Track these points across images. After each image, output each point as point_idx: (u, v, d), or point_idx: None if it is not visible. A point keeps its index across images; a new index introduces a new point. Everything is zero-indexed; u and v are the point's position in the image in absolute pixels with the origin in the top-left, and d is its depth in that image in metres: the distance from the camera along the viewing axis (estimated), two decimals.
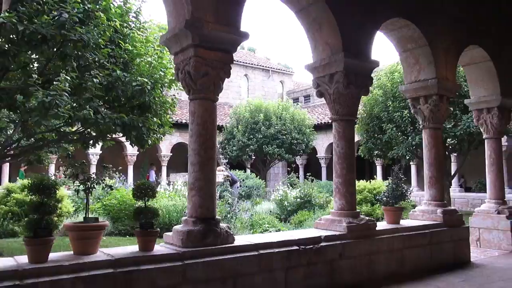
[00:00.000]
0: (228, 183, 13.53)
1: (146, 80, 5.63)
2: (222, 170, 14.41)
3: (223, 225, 3.63)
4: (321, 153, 22.26)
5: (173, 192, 9.60)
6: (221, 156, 21.02)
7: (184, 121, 21.62)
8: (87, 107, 5.28)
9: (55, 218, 8.44)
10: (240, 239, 3.84)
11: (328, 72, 4.60)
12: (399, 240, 4.75)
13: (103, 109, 5.61)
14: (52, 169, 18.75)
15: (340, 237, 4.25)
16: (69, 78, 4.87)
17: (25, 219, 7.92)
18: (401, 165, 5.17)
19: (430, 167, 5.65)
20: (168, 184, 10.60)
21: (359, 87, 4.62)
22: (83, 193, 3.49)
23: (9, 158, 8.33)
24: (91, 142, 7.61)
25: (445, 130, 10.85)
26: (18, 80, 5.46)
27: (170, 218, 7.82)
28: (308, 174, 11.54)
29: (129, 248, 3.38)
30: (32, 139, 7.19)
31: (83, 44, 5.32)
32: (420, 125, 5.73)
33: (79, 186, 3.41)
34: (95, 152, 19.93)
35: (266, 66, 30.18)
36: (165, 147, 21.85)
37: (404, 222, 5.27)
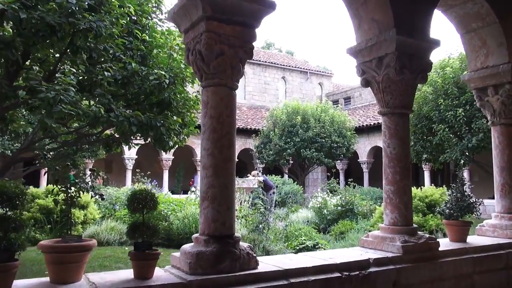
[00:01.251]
0: (261, 189, 12.82)
1: (163, 73, 4.98)
2: (257, 175, 13.68)
3: (243, 244, 2.87)
4: (363, 157, 21.05)
5: None
6: (257, 161, 20.33)
7: None
8: (98, 104, 4.70)
9: (79, 226, 8.00)
10: (266, 262, 3.06)
11: (375, 55, 3.75)
12: (468, 263, 3.80)
13: (117, 106, 5.02)
14: (88, 172, 18.74)
15: (393, 260, 3.37)
16: (74, 70, 4.30)
17: (48, 226, 7.50)
18: (461, 170, 4.19)
19: (502, 172, 4.63)
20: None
21: (415, 72, 3.73)
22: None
23: (43, 163, 8.01)
24: (114, 144, 7.16)
25: None
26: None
27: (197, 228, 7.15)
28: (349, 179, 10.58)
29: (123, 273, 2.69)
30: (54, 142, 6.79)
31: (95, 34, 4.77)
32: (485, 122, 4.78)
33: (57, 194, 2.77)
34: (130, 156, 19.82)
35: (304, 68, 29.28)
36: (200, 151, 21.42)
37: (471, 240, 4.29)
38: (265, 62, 27.55)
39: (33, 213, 7.92)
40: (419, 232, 3.69)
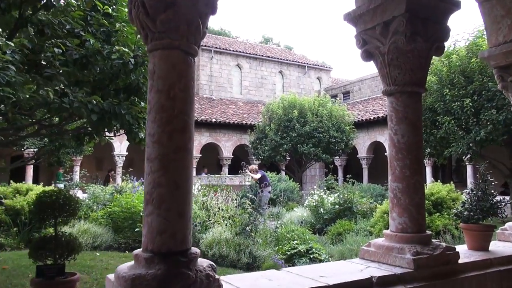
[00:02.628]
0: (257, 186, 12.04)
1: (127, 50, 4.23)
2: (255, 171, 12.87)
3: (202, 263, 2.13)
4: (362, 153, 20.30)
5: None
6: (253, 157, 19.59)
7: (213, 120, 20.39)
8: (48, 88, 3.95)
9: (50, 229, 7.25)
10: (235, 285, 2.32)
11: (380, 20, 3.00)
12: (494, 278, 3.06)
13: (74, 92, 4.27)
14: (77, 170, 17.99)
15: (403, 278, 2.63)
16: (12, 44, 3.55)
17: (14, 229, 6.76)
18: (471, 165, 3.41)
19: None
20: None
21: (430, 40, 2.98)
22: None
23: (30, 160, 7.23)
24: (85, 137, 6.44)
25: None
26: None
27: None
28: (348, 176, 9.85)
29: None
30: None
31: (46, 5, 4.03)
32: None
33: None
34: (120, 153, 19.08)
35: (302, 62, 28.49)
36: (195, 148, 20.69)
37: (494, 248, 3.56)
38: (262, 56, 26.77)
39: None
40: (433, 240, 2.95)
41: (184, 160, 2.10)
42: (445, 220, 7.03)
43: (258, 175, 12.57)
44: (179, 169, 2.08)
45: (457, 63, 10.03)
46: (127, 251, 6.60)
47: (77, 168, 17.99)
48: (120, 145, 19.01)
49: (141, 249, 2.09)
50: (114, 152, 18.90)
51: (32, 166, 16.96)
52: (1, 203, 7.55)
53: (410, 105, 2.99)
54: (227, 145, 21.75)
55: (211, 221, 6.62)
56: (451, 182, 8.26)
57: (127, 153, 19.08)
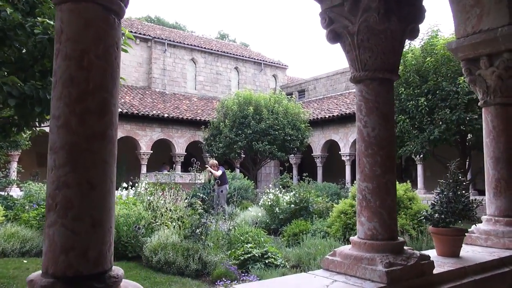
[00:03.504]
0: (214, 184, 11.49)
1: (52, 23, 3.58)
2: (216, 167, 12.27)
3: (127, 285, 1.62)
4: (316, 151, 20.28)
5: (133, 197, 7.53)
6: (207, 154, 18.98)
7: (166, 115, 19.56)
8: None
9: None
10: None
11: None
12: None
13: None
14: (14, 166, 16.55)
15: None
16: None
17: None
18: (453, 162, 3.13)
19: (497, 165, 3.67)
20: (132, 186, 8.52)
21: (405, 20, 2.62)
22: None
23: None
24: (13, 129, 5.65)
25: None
26: None
27: (119, 234, 5.76)
28: (304, 174, 9.55)
29: None
30: None
31: None
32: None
33: None
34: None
35: (258, 59, 28.19)
36: (145, 144, 19.77)
37: (463, 253, 3.28)
38: (218, 51, 26.15)
39: None
40: (406, 248, 2.59)
41: (102, 152, 1.57)
42: (402, 220, 6.87)
43: (219, 172, 12.02)
44: (95, 164, 1.55)
45: (413, 62, 10.03)
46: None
47: (14, 164, 16.56)
48: (34, 136, 17.71)
49: (40, 272, 1.54)
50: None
51: None
52: None
53: (381, 93, 2.62)
54: (180, 141, 20.98)
55: (157, 223, 6.03)
56: (408, 182, 8.15)
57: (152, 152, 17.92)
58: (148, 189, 7.15)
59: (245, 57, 27.51)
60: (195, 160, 6.05)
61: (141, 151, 19.72)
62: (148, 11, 42.49)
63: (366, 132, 2.60)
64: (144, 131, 19.91)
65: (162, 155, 20.82)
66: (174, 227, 5.75)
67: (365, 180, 2.58)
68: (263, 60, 28.41)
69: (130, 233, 5.59)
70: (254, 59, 28.01)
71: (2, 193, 9.83)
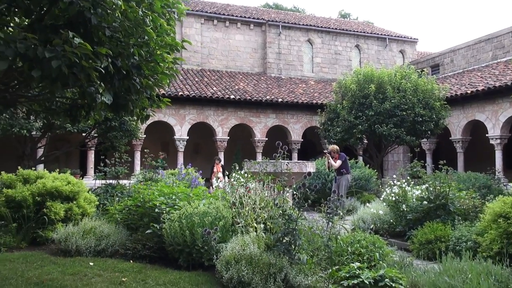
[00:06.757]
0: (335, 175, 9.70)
1: None
2: (335, 153, 10.56)
3: None
4: (456, 134, 17.04)
5: (222, 189, 6.43)
6: (325, 141, 17.34)
7: (280, 100, 18.41)
8: None
9: (59, 224, 5.89)
10: None
11: None
12: None
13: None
14: (137, 156, 17.23)
15: None
16: None
17: (14, 224, 5.50)
18: None
19: None
20: (228, 176, 7.47)
21: None
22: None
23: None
24: (80, 113, 5.00)
25: None
26: None
27: (194, 237, 4.64)
28: (442, 162, 7.36)
29: None
30: None
31: None
32: None
33: None
34: (181, 137, 18.01)
35: (382, 34, 25.28)
36: (259, 130, 19.01)
37: None
38: (336, 29, 24.09)
39: None
40: None
41: None
42: None
43: (338, 162, 10.37)
44: None
45: None
46: (131, 260, 5.02)
47: (137, 154, 17.25)
48: (181, 129, 17.94)
49: None
50: (175, 136, 17.88)
51: (93, 151, 16.47)
52: None
53: None
54: (295, 127, 19.74)
55: (240, 225, 4.77)
56: None
57: (188, 137, 17.95)
58: (238, 181, 5.95)
59: (367, 33, 24.90)
60: (281, 144, 4.56)
61: (255, 138, 19.02)
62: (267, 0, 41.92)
63: None
64: (258, 117, 19.14)
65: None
66: (256, 232, 4.41)
67: None
68: (388, 35, 25.38)
69: (201, 238, 4.42)
70: (378, 34, 25.20)
71: (112, 181, 9.69)
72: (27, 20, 3.44)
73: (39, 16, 2.94)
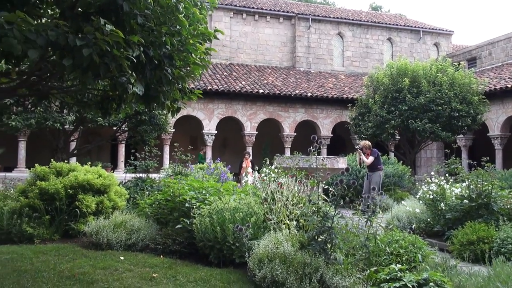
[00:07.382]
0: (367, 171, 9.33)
1: None
2: (367, 149, 10.23)
3: None
4: (494, 130, 16.31)
5: (252, 185, 6.29)
6: (355, 136, 16.94)
7: (309, 94, 18.11)
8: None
9: (91, 217, 5.90)
10: None
11: None
12: None
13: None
14: (167, 150, 17.38)
15: None
16: None
17: (47, 217, 5.56)
18: None
19: None
20: (258, 171, 7.34)
21: None
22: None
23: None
24: (111, 106, 4.94)
25: None
26: None
27: (225, 233, 4.52)
28: (484, 159, 6.96)
29: None
30: None
31: None
32: None
33: None
34: (209, 132, 18.01)
35: (415, 27, 24.47)
36: (288, 125, 18.78)
37: None
38: (367, 22, 23.48)
39: (30, 200, 6.09)
40: None
41: None
42: None
43: (370, 159, 10.05)
44: None
45: None
46: (162, 255, 4.95)
47: (166, 148, 17.40)
48: (209, 123, 17.94)
49: None
50: (203, 131, 17.90)
51: (123, 145, 16.72)
52: None
53: None
54: (325, 122, 19.41)
55: (272, 221, 4.62)
56: None
57: (216, 132, 17.93)
58: (269, 176, 5.79)
59: (400, 25, 24.17)
60: (316, 138, 4.37)
61: (284, 133, 18.82)
62: None
63: None
64: (287, 112, 18.92)
65: (308, 138, 19.58)
66: (289, 229, 4.24)
67: None
68: (422, 27, 24.56)
69: (232, 234, 4.30)
70: (411, 26, 24.42)
71: (142, 175, 9.72)
72: (59, 12, 3.39)
73: (70, 4, 2.87)
